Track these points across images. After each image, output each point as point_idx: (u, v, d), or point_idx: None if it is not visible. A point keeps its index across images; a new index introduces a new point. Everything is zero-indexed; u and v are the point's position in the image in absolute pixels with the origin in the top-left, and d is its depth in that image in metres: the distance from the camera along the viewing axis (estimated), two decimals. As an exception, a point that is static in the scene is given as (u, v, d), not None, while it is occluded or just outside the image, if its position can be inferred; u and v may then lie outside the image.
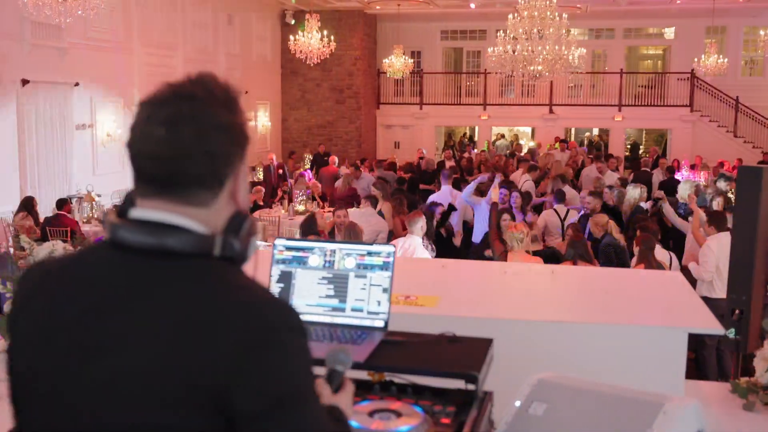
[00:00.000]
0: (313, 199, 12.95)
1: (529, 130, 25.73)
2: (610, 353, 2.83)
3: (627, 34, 23.89)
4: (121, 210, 1.37)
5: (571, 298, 3.36)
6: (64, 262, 1.44)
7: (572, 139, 23.78)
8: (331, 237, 8.12)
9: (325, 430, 1.31)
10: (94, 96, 13.98)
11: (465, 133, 26.34)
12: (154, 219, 1.32)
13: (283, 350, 1.25)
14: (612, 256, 7.25)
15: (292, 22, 21.06)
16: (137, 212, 1.34)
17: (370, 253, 2.23)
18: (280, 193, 13.90)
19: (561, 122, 22.89)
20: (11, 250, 10.39)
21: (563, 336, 2.85)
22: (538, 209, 11.03)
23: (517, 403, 1.94)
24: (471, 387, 1.91)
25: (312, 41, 16.76)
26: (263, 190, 13.59)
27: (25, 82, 12.01)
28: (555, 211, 9.82)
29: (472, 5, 20.23)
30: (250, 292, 1.30)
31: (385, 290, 2.20)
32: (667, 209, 9.06)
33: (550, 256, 7.44)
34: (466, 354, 2.01)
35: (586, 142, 24.51)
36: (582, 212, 9.49)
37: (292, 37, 17.22)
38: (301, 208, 12.23)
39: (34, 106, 12.28)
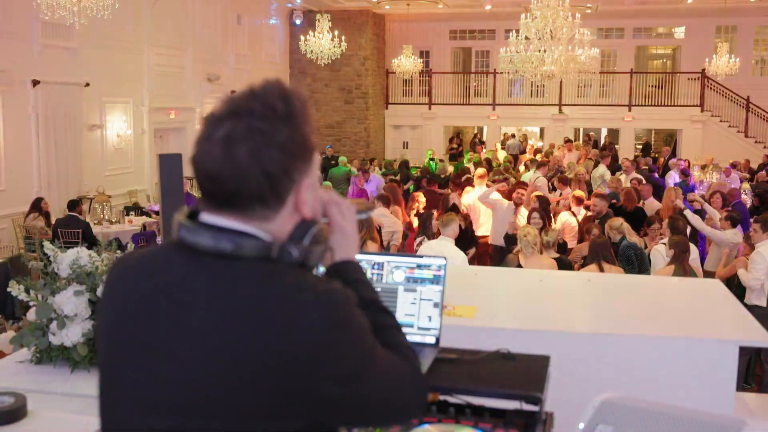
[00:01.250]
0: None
1: (537, 129, 25.62)
2: (660, 366, 2.74)
3: (637, 33, 23.77)
4: (193, 211, 1.40)
5: (613, 309, 3.26)
6: (141, 256, 1.46)
7: (579, 139, 23.68)
8: None
9: (400, 371, 1.41)
10: (104, 96, 13.93)
11: (476, 134, 26.23)
12: (216, 223, 1.35)
13: (347, 337, 1.31)
14: (632, 259, 7.17)
15: (298, 22, 20.99)
16: (204, 216, 1.38)
17: (419, 266, 2.14)
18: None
19: (570, 122, 22.80)
20: (22, 251, 10.37)
21: (610, 348, 2.76)
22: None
23: (581, 426, 1.85)
24: (532, 407, 1.83)
25: (323, 41, 16.68)
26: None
27: (35, 82, 11.97)
28: (572, 212, 9.72)
29: (488, 6, 20.13)
30: (308, 290, 1.31)
31: (436, 305, 2.11)
32: (691, 216, 8.81)
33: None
34: (525, 373, 1.93)
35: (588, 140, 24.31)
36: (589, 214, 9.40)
37: (302, 38, 17.14)
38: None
39: (44, 106, 12.22)
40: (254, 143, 1.29)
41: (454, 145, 24.18)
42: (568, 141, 20.27)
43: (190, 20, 16.64)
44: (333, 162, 17.26)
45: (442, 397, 1.91)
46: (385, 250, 8.11)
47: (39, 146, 12.23)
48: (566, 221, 9.55)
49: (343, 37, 17.47)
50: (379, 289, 2.14)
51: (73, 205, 10.81)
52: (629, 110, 22.11)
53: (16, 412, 2.45)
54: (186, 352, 1.29)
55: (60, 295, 3.22)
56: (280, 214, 1.36)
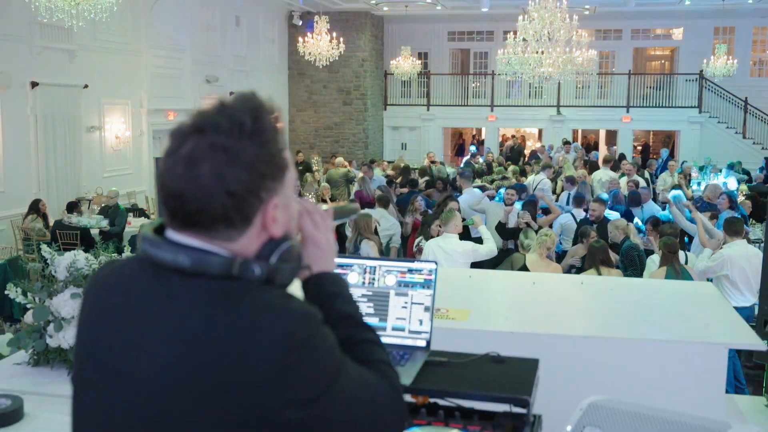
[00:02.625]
0: (324, 201, 12.88)
1: (536, 131, 25.64)
2: (649, 369, 2.76)
3: (635, 35, 23.79)
4: (160, 225, 1.36)
5: (605, 312, 3.28)
6: (113, 270, 1.43)
7: (578, 140, 23.69)
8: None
9: (373, 390, 1.34)
10: (103, 98, 13.95)
11: (474, 135, 26.26)
12: (179, 241, 1.31)
13: (308, 359, 1.24)
14: (635, 260, 7.22)
15: (299, 23, 21.01)
16: (168, 232, 1.33)
17: (411, 270, 2.17)
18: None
19: (568, 124, 22.81)
20: (21, 253, 10.39)
21: (601, 351, 2.79)
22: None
23: (569, 428, 1.87)
24: (520, 410, 1.86)
25: (321, 43, 16.71)
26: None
27: (34, 84, 11.99)
28: (572, 215, 9.73)
29: (485, 9, 20.15)
30: (265, 311, 1.25)
31: (427, 309, 2.14)
32: (675, 213, 8.96)
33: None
34: (514, 376, 1.96)
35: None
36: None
37: (301, 39, 17.16)
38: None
39: (43, 108, 12.24)
40: (217, 162, 1.23)
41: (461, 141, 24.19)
42: (566, 143, 20.30)
43: (189, 22, 16.66)
44: (300, 168, 16.77)
45: (431, 400, 1.94)
46: (383, 250, 8.13)
47: (38, 148, 12.25)
48: (565, 223, 9.58)
49: (341, 39, 17.51)
50: (370, 293, 2.18)
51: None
52: (627, 111, 22.12)
53: (13, 414, 2.47)
54: (141, 375, 1.27)
55: (57, 297, 3.25)
56: (246, 233, 1.30)
